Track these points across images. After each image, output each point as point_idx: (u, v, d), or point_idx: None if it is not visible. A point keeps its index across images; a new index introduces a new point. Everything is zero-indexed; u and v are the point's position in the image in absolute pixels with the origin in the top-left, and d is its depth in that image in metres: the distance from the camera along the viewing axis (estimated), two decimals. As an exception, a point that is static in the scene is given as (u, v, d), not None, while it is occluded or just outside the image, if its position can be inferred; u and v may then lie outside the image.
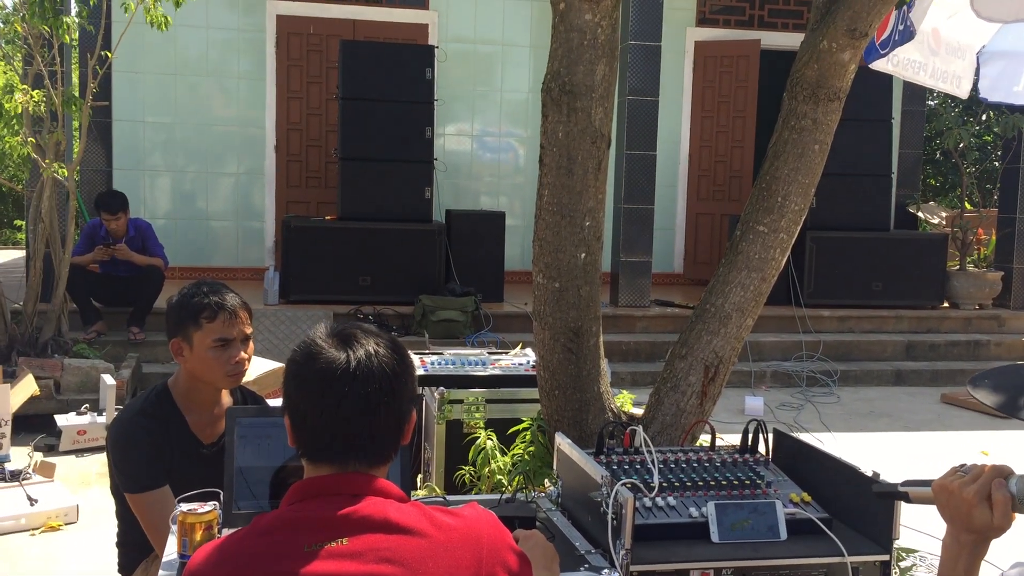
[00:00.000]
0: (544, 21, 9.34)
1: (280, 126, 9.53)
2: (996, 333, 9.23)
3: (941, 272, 9.23)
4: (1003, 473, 1.37)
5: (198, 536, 1.97)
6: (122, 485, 2.52)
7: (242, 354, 2.54)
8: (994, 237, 9.77)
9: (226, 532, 1.99)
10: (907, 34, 3.38)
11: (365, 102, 8.17)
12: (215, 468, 2.28)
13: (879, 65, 3.84)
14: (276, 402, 2.12)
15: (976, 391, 1.40)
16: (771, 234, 3.20)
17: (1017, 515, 1.36)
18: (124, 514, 2.61)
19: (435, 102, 8.43)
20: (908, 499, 1.52)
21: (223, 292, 2.56)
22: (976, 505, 1.35)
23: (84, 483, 5.26)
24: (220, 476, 2.13)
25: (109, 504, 2.72)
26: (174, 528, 2.02)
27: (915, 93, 10.38)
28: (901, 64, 3.95)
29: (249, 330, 2.58)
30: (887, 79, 8.34)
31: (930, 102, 11.82)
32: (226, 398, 2.70)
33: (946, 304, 9.39)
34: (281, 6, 9.31)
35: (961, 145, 9.39)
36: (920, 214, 10.54)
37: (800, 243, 8.60)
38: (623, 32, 8.08)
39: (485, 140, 10.06)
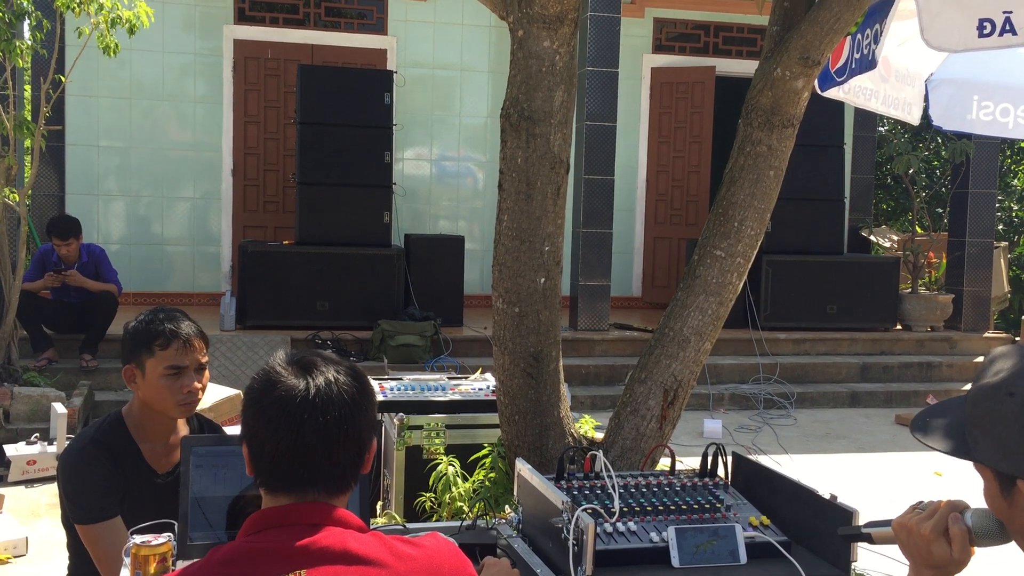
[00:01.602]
0: (503, 46, 9.32)
1: (237, 150, 9.40)
2: (948, 355, 9.26)
3: (894, 295, 9.26)
4: (959, 508, 1.37)
5: (152, 569, 1.92)
6: (73, 516, 2.46)
7: (195, 383, 2.49)
8: (944, 260, 9.84)
9: (181, 565, 1.94)
10: (865, 63, 3.43)
11: (323, 126, 8.11)
12: (170, 498, 2.23)
13: (832, 93, 3.88)
14: (233, 429, 2.07)
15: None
16: (728, 258, 3.20)
17: (976, 548, 1.36)
18: (75, 546, 2.54)
19: (394, 127, 8.41)
20: (871, 540, 1.52)
21: (179, 320, 2.51)
22: (934, 541, 1.35)
23: (34, 514, 5.15)
24: (175, 506, 2.09)
25: (60, 536, 2.66)
26: (127, 561, 1.97)
27: (866, 119, 10.42)
28: (853, 91, 4.00)
29: (204, 359, 2.53)
30: (839, 105, 8.40)
31: (881, 128, 11.94)
32: (182, 427, 2.64)
33: (899, 326, 9.41)
34: (239, 30, 9.21)
35: (911, 171, 9.49)
36: (872, 238, 10.59)
37: (756, 267, 8.59)
38: (580, 59, 8.01)
39: (444, 165, 9.97)
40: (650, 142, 10.09)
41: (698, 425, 7.15)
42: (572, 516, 2.07)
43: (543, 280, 3.07)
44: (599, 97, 8.26)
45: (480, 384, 4.16)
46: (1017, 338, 9.65)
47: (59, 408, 5.88)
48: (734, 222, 3.19)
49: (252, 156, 9.43)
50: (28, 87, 8.85)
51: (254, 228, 9.36)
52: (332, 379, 1.47)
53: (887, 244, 10.54)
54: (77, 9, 6.06)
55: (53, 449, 5.79)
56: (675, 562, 2.14)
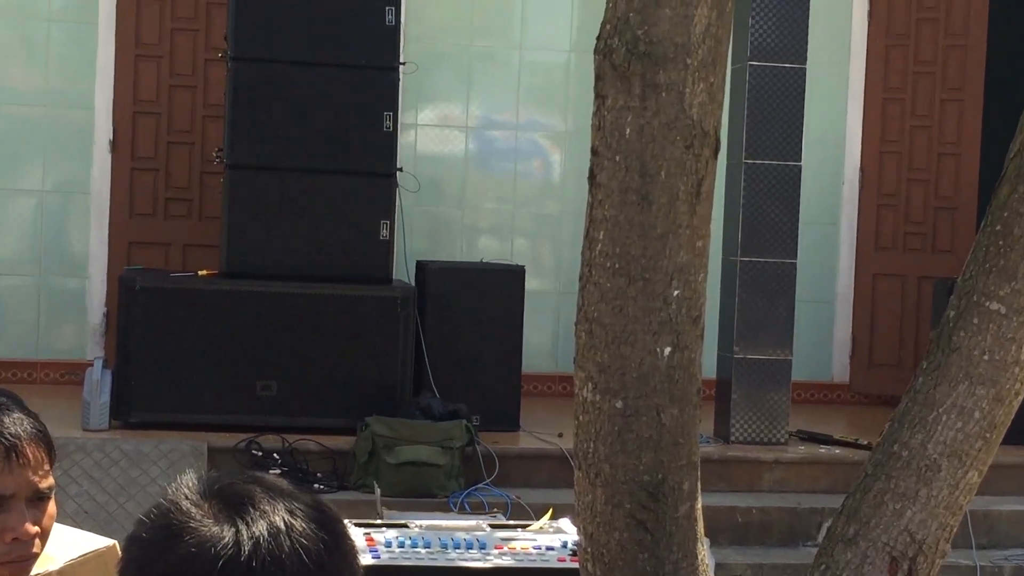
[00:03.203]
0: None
1: (120, 107, 7.25)
2: None
3: None
4: None
5: None
6: None
7: (27, 525, 2.08)
8: None
9: None
10: None
11: (275, 66, 6.25)
12: None
13: None
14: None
15: None
16: (1012, 316, 2.70)
17: None
18: None
19: (401, 67, 6.36)
20: None
21: (2, 412, 2.12)
22: None
23: None
24: None
25: None
26: None
27: None
28: None
29: (48, 481, 2.13)
30: None
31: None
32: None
33: None
34: None
35: None
36: None
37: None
38: (741, -48, 6.64)
39: (490, 136, 7.86)
40: (868, 99, 7.81)
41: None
42: None
43: (668, 350, 2.63)
44: (775, 19, 6.38)
45: (550, 539, 3.72)
46: None
47: None
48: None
49: (146, 117, 7.29)
50: None
51: (147, 246, 7.27)
52: (281, 526, 1.15)
53: None
54: None
55: None
56: None
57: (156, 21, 7.18)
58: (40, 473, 2.08)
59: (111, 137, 7.24)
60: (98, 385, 5.87)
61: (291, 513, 1.16)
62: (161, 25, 7.20)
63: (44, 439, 2.11)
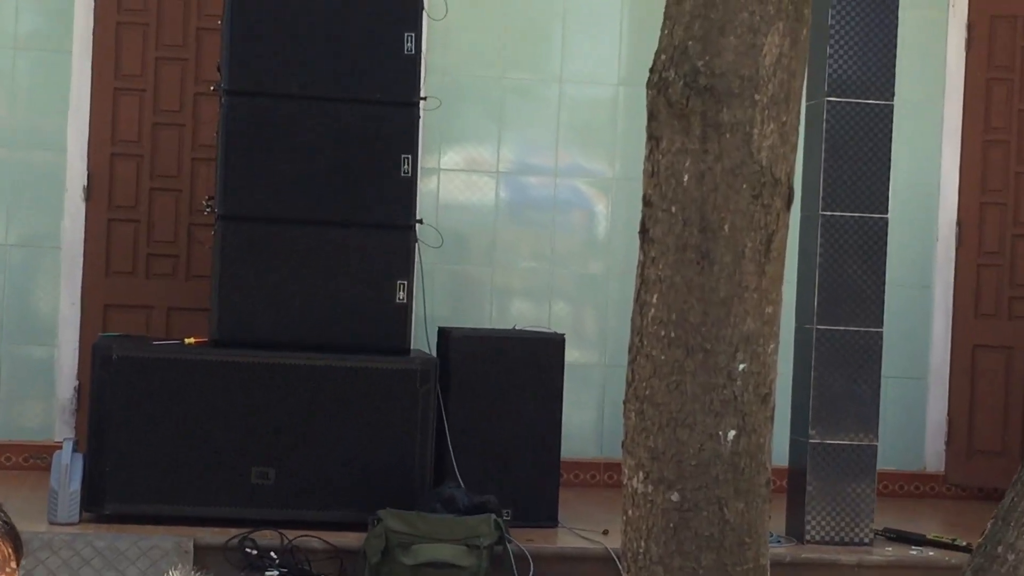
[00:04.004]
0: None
1: (96, 147, 6.75)
2: None
3: None
4: None
5: None
6: None
7: None
8: None
9: None
10: None
11: (276, 101, 5.87)
12: None
13: None
14: None
15: None
16: None
17: None
18: None
19: (421, 103, 5.94)
20: None
21: None
22: None
23: None
24: None
25: None
26: None
27: None
28: None
29: None
30: None
31: None
32: None
33: None
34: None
35: None
36: None
37: None
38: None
39: (524, 183, 7.27)
40: (966, 141, 7.31)
41: None
42: None
43: (732, 434, 2.53)
44: (857, 49, 6.01)
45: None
46: None
47: None
48: None
49: (126, 160, 6.80)
50: None
51: (126, 309, 6.80)
52: None
53: None
54: None
55: None
56: None
57: (139, 49, 6.61)
58: (6, 572, 2.08)
59: (85, 183, 6.66)
60: (67, 471, 5.51)
61: None
62: (144, 53, 6.62)
63: (11, 534, 2.10)
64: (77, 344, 6.68)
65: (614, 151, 7.08)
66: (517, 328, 6.49)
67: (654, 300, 2.49)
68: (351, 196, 5.74)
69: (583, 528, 5.80)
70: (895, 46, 5.83)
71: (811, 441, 5.64)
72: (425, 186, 6.62)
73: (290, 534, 5.41)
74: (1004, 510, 2.74)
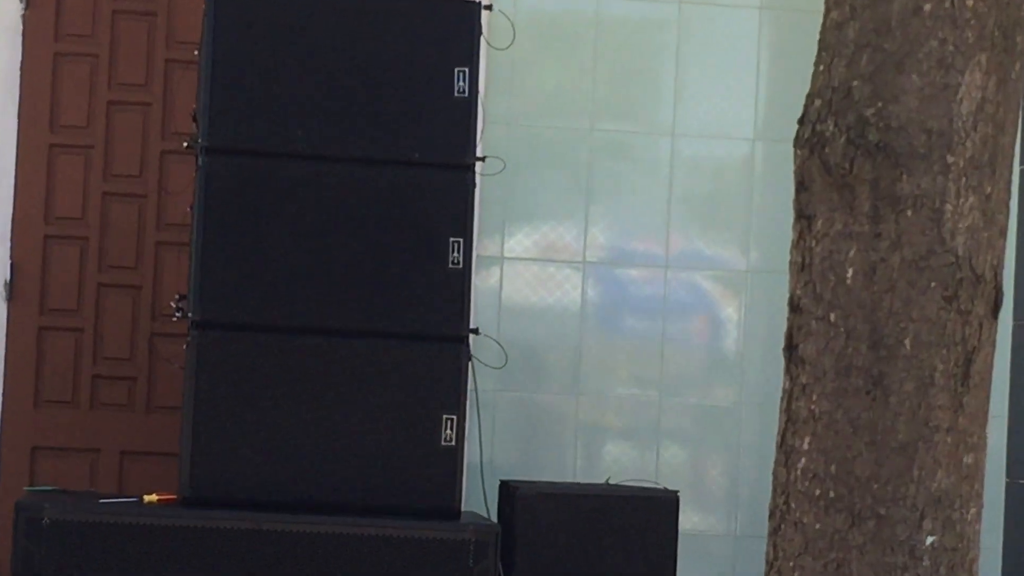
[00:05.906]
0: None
1: (24, 228, 5.75)
2: None
3: None
4: None
5: None
6: None
7: None
8: None
9: None
10: None
11: (272, 162, 4.84)
12: None
13: None
14: None
15: None
16: None
17: None
18: None
19: (478, 164, 4.91)
20: None
21: None
22: None
23: None
24: None
25: None
26: None
27: None
28: None
29: None
30: None
31: None
32: None
33: None
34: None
35: None
36: None
37: None
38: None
39: (622, 277, 6.23)
40: None
41: None
42: None
43: None
44: None
45: None
46: None
47: None
48: None
49: (66, 245, 5.83)
50: None
51: (62, 454, 5.81)
52: None
53: None
54: None
55: None
56: None
57: (85, 90, 5.38)
58: None
59: (7, 277, 5.50)
60: None
61: None
62: (93, 96, 5.38)
63: None
64: (-7, 504, 5.87)
65: (748, 233, 5.83)
66: (611, 483, 5.31)
67: (806, 445, 2.24)
68: (379, 296, 4.65)
69: None
70: None
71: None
72: (483, 282, 5.52)
73: None
74: None
